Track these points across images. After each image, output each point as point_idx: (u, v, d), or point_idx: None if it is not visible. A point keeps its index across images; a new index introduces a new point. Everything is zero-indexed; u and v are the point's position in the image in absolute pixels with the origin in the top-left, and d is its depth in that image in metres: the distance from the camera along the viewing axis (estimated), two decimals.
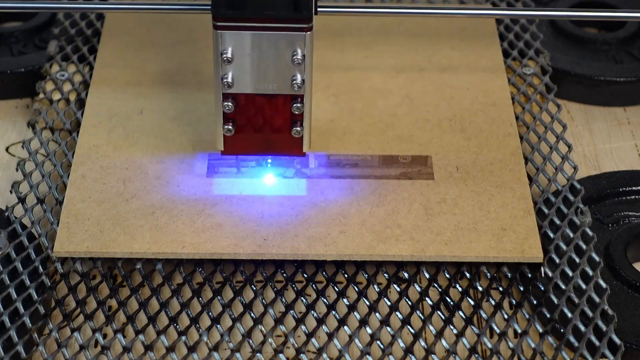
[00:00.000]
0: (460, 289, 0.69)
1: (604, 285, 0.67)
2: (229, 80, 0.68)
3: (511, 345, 0.65)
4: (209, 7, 0.68)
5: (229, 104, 0.69)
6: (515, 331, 0.67)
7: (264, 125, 0.70)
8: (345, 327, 0.66)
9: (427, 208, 0.72)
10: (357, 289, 0.69)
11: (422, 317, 0.67)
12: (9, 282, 0.68)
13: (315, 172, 0.74)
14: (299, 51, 0.67)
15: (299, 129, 0.70)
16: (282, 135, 0.71)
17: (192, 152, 0.76)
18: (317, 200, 0.72)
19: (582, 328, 0.65)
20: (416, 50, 0.85)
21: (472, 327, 0.67)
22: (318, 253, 0.69)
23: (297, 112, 0.69)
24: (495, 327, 0.66)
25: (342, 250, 0.69)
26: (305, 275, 0.70)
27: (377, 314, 0.67)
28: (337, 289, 0.69)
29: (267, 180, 0.73)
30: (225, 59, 0.67)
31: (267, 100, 0.69)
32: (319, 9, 0.68)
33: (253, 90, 0.69)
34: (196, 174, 0.74)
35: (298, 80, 0.68)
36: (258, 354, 0.65)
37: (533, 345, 0.65)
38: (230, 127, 0.70)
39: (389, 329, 0.66)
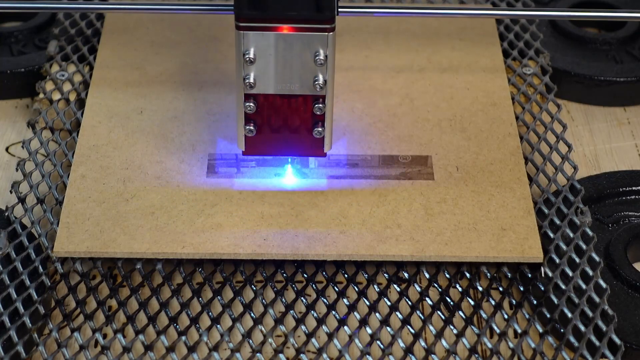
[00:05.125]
0: (460, 289, 0.69)
1: (604, 285, 0.67)
2: (251, 80, 0.68)
3: (511, 345, 0.65)
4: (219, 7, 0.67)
5: (251, 104, 0.69)
6: (515, 331, 0.67)
7: (285, 126, 0.70)
8: (345, 327, 0.66)
9: (427, 208, 0.72)
10: (357, 289, 0.69)
11: (422, 317, 0.67)
12: (9, 282, 0.68)
13: (315, 172, 0.74)
14: (322, 52, 0.67)
15: (320, 129, 0.70)
16: (304, 136, 0.71)
17: (192, 152, 0.76)
18: (317, 200, 0.72)
19: (582, 328, 0.65)
20: (416, 50, 0.85)
21: (472, 327, 0.67)
22: (318, 253, 0.69)
23: (318, 113, 0.69)
24: (495, 327, 0.66)
25: (342, 250, 0.69)
26: (305, 275, 0.70)
27: (377, 314, 0.67)
28: (337, 289, 0.69)
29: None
30: (247, 59, 0.67)
31: (288, 101, 0.69)
32: (339, 10, 0.68)
33: (275, 91, 0.68)
34: (196, 174, 0.74)
35: (320, 80, 0.68)
36: (258, 354, 0.65)
37: (533, 345, 0.65)
38: (251, 127, 0.70)
39: (389, 329, 0.66)
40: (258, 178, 0.73)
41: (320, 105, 0.69)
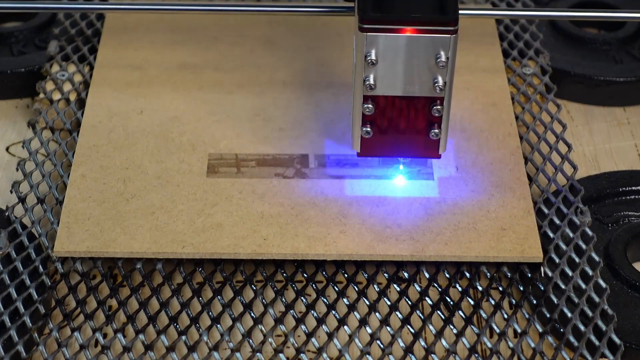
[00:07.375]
0: (460, 288, 0.69)
1: (603, 285, 0.67)
2: (371, 82, 0.67)
3: (511, 345, 0.65)
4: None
5: (369, 106, 0.68)
6: (515, 331, 0.67)
7: (402, 128, 0.70)
8: (345, 327, 0.66)
9: (427, 208, 0.72)
10: (357, 289, 0.69)
11: (422, 317, 0.67)
12: (9, 282, 0.68)
13: (315, 172, 0.74)
14: (443, 54, 0.66)
15: (437, 131, 0.69)
16: (419, 138, 0.70)
17: (192, 152, 0.76)
18: (317, 200, 0.72)
19: (582, 328, 0.65)
20: None
21: (472, 327, 0.67)
22: (318, 253, 0.69)
23: (436, 115, 0.68)
24: (495, 327, 0.67)
25: (342, 250, 0.69)
26: (305, 275, 0.70)
27: (377, 314, 0.67)
28: (337, 289, 0.69)
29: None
30: (369, 61, 0.66)
31: (407, 103, 0.68)
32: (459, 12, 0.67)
33: (394, 93, 0.68)
34: (196, 174, 0.74)
35: (440, 82, 0.67)
36: (258, 354, 0.65)
37: (533, 345, 0.65)
38: (368, 129, 0.69)
39: (389, 328, 0.66)
40: (258, 178, 0.73)
41: (438, 107, 0.68)
